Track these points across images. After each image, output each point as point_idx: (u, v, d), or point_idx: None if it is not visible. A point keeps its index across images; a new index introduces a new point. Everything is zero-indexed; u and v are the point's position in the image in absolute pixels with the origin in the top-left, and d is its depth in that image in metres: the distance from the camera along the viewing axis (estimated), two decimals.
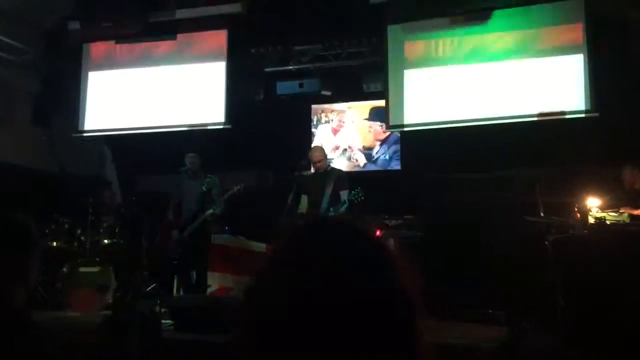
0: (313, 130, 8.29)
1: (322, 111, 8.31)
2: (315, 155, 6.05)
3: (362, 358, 0.80)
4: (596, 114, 6.21)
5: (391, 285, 0.85)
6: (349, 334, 0.79)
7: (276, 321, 0.81)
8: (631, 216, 5.25)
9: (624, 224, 5.17)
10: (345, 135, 8.16)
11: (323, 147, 6.72)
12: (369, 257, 0.86)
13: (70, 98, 8.14)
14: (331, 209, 5.71)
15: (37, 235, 1.77)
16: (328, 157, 6.73)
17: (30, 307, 1.91)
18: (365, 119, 8.05)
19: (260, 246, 7.05)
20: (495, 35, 6.75)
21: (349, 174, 6.82)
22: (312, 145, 7.62)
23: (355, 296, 0.81)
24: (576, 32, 6.43)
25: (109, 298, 6.15)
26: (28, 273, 1.72)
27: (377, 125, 7.94)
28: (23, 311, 1.69)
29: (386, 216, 6.90)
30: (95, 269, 6.28)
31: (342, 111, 8.22)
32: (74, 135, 8.06)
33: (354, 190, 5.67)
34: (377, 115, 7.81)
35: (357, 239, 0.88)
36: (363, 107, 8.09)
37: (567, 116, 6.40)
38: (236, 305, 5.39)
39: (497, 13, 6.64)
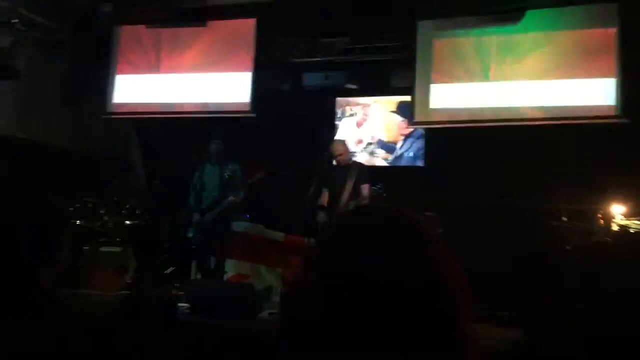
0: (337, 123, 8.28)
1: (347, 104, 8.30)
2: (337, 149, 6.05)
3: (410, 349, 0.81)
4: (626, 120, 6.10)
5: (440, 277, 0.86)
6: (398, 322, 0.80)
7: (331, 309, 0.82)
8: None
9: None
10: (369, 128, 8.14)
11: (346, 140, 6.72)
12: (421, 249, 0.87)
13: (99, 79, 8.23)
14: (351, 202, 5.72)
15: (67, 217, 1.80)
16: (351, 150, 6.72)
17: (58, 289, 1.93)
18: (393, 112, 8.02)
19: (278, 235, 7.10)
20: (526, 35, 6.66)
21: (370, 168, 6.82)
22: (335, 138, 7.62)
23: (405, 285, 0.82)
24: (609, 36, 6.31)
25: (129, 279, 6.25)
26: (57, 254, 1.73)
27: (401, 120, 7.91)
28: (49, 292, 1.70)
29: None
30: (116, 250, 6.38)
31: (367, 105, 8.20)
32: (102, 116, 8.16)
33: (376, 187, 5.67)
34: (405, 109, 7.77)
35: (411, 230, 0.89)
36: (389, 102, 8.06)
37: (597, 120, 6.30)
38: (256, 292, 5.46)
39: (530, 13, 6.54)
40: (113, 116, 8.20)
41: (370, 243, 0.85)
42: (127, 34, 8.27)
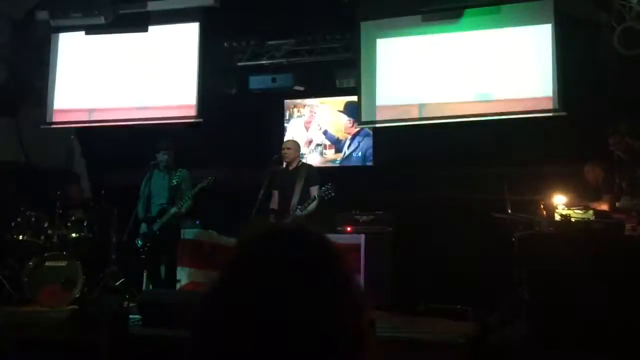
0: (285, 125, 8.28)
1: (295, 106, 8.30)
2: (287, 150, 6.05)
3: None
4: (564, 113, 6.32)
5: (339, 308, 0.86)
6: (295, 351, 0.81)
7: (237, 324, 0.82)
8: (596, 213, 5.37)
9: (589, 221, 5.28)
10: (317, 129, 8.17)
11: (297, 141, 6.72)
12: (320, 274, 0.87)
13: (39, 89, 7.99)
14: (298, 207, 5.72)
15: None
16: (301, 152, 6.73)
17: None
18: (340, 111, 8.06)
19: (231, 241, 7.01)
20: (467, 33, 6.82)
21: (320, 169, 6.84)
22: (285, 139, 7.61)
23: (301, 315, 0.82)
24: (546, 32, 6.53)
25: (77, 293, 6.08)
26: None
27: (347, 120, 7.96)
28: None
29: (357, 211, 6.94)
30: (62, 263, 6.19)
31: (314, 106, 8.23)
32: (42, 126, 7.91)
33: (325, 187, 5.69)
34: (351, 109, 7.83)
35: (311, 252, 0.90)
36: (336, 102, 8.11)
37: (536, 114, 6.50)
38: (198, 304, 5.36)
39: (468, 12, 6.70)
40: (53, 126, 7.97)
41: (272, 275, 0.85)
42: (66, 41, 8.05)
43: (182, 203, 6.18)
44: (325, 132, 8.12)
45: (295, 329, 0.81)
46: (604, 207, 5.44)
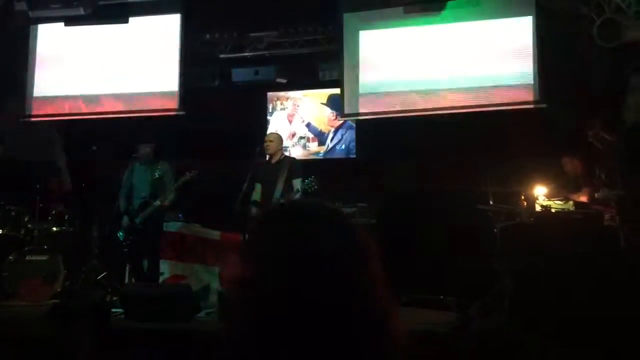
0: (268, 117, 8.25)
1: (278, 99, 8.28)
2: (270, 142, 6.03)
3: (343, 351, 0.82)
4: (544, 105, 6.38)
5: (365, 284, 0.88)
6: (333, 322, 0.82)
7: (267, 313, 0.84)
8: (575, 204, 5.44)
9: (569, 212, 5.35)
10: (300, 121, 8.16)
11: (279, 134, 6.70)
12: (349, 246, 0.88)
13: (17, 81, 7.87)
14: (281, 200, 5.71)
15: None
16: (284, 144, 6.72)
17: None
18: (323, 104, 8.06)
19: (214, 234, 7.00)
20: (448, 25, 6.85)
21: (304, 162, 6.83)
22: (267, 132, 7.59)
23: (333, 289, 0.83)
24: (526, 24, 6.57)
25: (58, 287, 6.02)
26: None
27: (330, 112, 7.96)
28: None
29: (340, 203, 6.94)
30: (43, 258, 6.12)
31: (297, 98, 8.21)
32: (21, 119, 7.80)
33: (308, 179, 5.68)
34: (335, 101, 7.82)
35: (339, 225, 0.91)
36: (319, 95, 8.10)
37: (517, 107, 6.56)
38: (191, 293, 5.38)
39: (451, 4, 6.72)
40: (33, 119, 7.86)
41: (298, 240, 0.86)
42: (45, 33, 7.93)
43: (165, 196, 6.13)
44: (308, 125, 8.12)
45: (327, 311, 0.83)
46: (584, 198, 5.52)
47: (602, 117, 5.38)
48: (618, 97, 5.88)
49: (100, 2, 7.27)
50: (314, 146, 8.07)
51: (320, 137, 8.05)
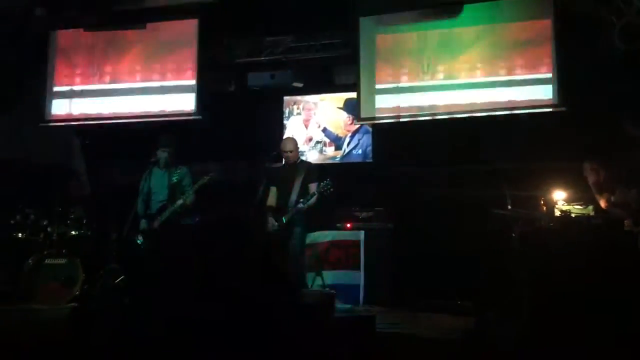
0: (285, 122, 8.26)
1: (294, 103, 8.29)
2: (287, 146, 6.04)
3: None
4: (563, 108, 6.31)
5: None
6: None
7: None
8: (596, 209, 5.37)
9: (589, 217, 5.29)
10: (316, 126, 8.16)
11: (295, 139, 6.71)
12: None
13: (37, 85, 7.96)
14: (300, 200, 5.71)
15: None
16: (300, 149, 6.72)
17: None
18: (339, 108, 8.05)
19: None
20: (465, 29, 6.81)
21: (320, 166, 6.83)
22: (284, 137, 7.60)
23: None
24: (545, 27, 6.52)
25: (77, 291, 6.07)
26: None
27: (347, 116, 7.95)
28: None
29: (357, 208, 6.94)
30: (62, 261, 6.18)
31: (313, 103, 8.21)
32: (41, 124, 7.90)
33: (324, 182, 5.67)
34: (351, 105, 7.81)
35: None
36: (336, 99, 8.09)
37: (536, 110, 6.50)
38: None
39: (468, 7, 6.69)
40: (52, 124, 7.96)
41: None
42: (64, 38, 8.03)
43: (187, 195, 6.13)
44: (324, 130, 8.11)
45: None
46: (602, 203, 5.44)
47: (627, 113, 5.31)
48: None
49: (118, 8, 7.35)
50: (330, 151, 8.06)
51: (337, 142, 8.04)
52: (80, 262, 6.17)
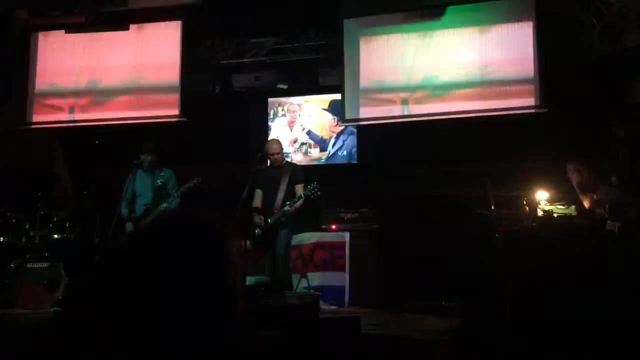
0: (270, 123, 8.25)
1: (279, 105, 8.29)
2: (272, 148, 6.03)
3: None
4: (545, 110, 6.38)
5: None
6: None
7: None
8: (578, 209, 5.42)
9: (571, 217, 5.33)
10: (301, 128, 8.16)
11: (280, 140, 6.70)
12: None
13: (17, 88, 7.88)
14: (287, 203, 5.71)
15: None
16: (285, 150, 6.72)
17: None
18: (324, 109, 8.06)
19: None
20: (448, 31, 6.85)
21: (305, 167, 6.83)
22: (269, 138, 7.60)
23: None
24: (527, 29, 6.58)
25: (59, 294, 6.01)
26: None
27: (332, 118, 7.96)
28: None
29: (342, 209, 6.95)
30: (44, 265, 6.12)
31: (298, 104, 8.21)
32: (22, 126, 7.81)
33: (311, 185, 5.67)
34: (336, 107, 7.83)
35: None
36: (320, 100, 8.10)
37: (518, 112, 6.55)
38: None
39: (451, 9, 6.73)
40: (33, 126, 7.87)
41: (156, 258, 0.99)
42: (46, 40, 7.95)
43: (171, 200, 6.11)
44: (308, 132, 8.11)
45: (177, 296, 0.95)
46: (586, 203, 5.49)
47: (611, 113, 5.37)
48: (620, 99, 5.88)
49: (101, 9, 7.29)
50: (315, 152, 8.06)
51: (322, 144, 8.05)
52: (63, 266, 6.11)
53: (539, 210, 5.37)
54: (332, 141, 7.98)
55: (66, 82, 7.85)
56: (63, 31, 7.77)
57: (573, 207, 5.46)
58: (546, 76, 6.40)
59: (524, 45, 6.56)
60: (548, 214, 5.28)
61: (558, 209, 5.41)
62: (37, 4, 7.35)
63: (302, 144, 8.12)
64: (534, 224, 5.20)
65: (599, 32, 6.00)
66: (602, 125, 5.43)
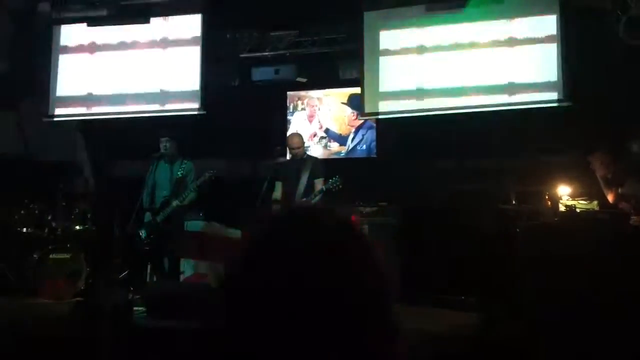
0: (289, 117, 8.24)
1: (299, 98, 8.27)
2: (294, 142, 6.03)
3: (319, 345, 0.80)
4: (569, 103, 6.28)
5: (351, 281, 0.85)
6: (311, 320, 0.80)
7: (252, 307, 0.82)
8: (600, 204, 5.34)
9: (594, 212, 5.26)
10: (320, 122, 8.14)
11: (301, 135, 6.70)
12: (334, 249, 0.86)
13: (40, 81, 7.97)
14: (306, 198, 5.71)
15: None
16: (305, 144, 6.71)
17: None
18: (343, 103, 8.03)
19: (234, 232, 7.01)
20: (470, 24, 6.77)
21: (325, 161, 6.81)
22: (288, 132, 7.59)
23: (317, 285, 0.81)
24: (550, 22, 6.48)
25: (81, 285, 6.08)
26: None
27: (351, 112, 7.93)
28: None
29: (361, 203, 6.92)
30: (66, 256, 6.19)
31: (318, 98, 8.19)
32: (44, 119, 7.90)
33: (332, 179, 5.67)
34: (355, 101, 7.79)
35: (327, 230, 0.89)
36: (340, 94, 8.07)
37: (541, 105, 6.47)
38: (211, 291, 5.40)
39: (473, 2, 6.65)
40: (55, 118, 7.96)
41: (298, 255, 0.84)
42: (68, 33, 8.02)
43: (184, 195, 6.15)
44: (327, 131, 8.08)
45: (311, 312, 0.80)
46: (610, 197, 5.40)
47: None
48: None
49: (123, 3, 7.34)
50: (335, 146, 8.04)
51: (340, 141, 8.01)
52: (84, 257, 6.18)
53: (560, 205, 5.31)
54: (352, 135, 7.95)
55: (87, 74, 7.92)
56: (85, 25, 7.83)
57: (595, 202, 5.38)
58: (570, 69, 6.30)
59: (548, 38, 6.47)
60: (570, 208, 5.22)
61: (580, 204, 5.34)
62: None
63: (322, 137, 8.11)
64: (556, 219, 5.14)
65: (625, 24, 5.89)
66: (625, 118, 5.33)
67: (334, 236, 0.88)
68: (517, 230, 5.22)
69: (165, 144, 6.26)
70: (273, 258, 0.84)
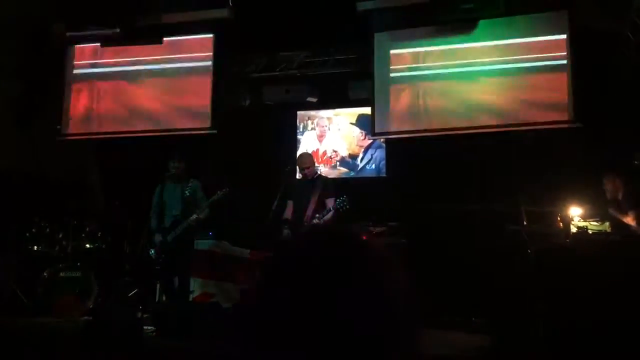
0: (299, 137, 8.28)
1: (308, 118, 8.31)
2: (304, 162, 6.05)
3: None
4: (579, 125, 6.26)
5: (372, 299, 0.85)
6: (329, 339, 0.80)
7: (273, 325, 0.82)
8: (612, 225, 5.30)
9: (606, 234, 5.22)
10: (330, 142, 8.17)
11: (311, 154, 6.72)
12: (353, 268, 0.86)
13: (53, 100, 8.05)
14: (316, 216, 5.71)
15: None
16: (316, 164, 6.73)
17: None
18: (352, 124, 8.06)
19: (243, 252, 7.02)
20: (480, 45, 6.80)
21: (334, 181, 6.82)
22: (298, 152, 7.61)
23: (337, 303, 0.81)
24: (560, 42, 6.49)
25: (91, 304, 6.09)
26: None
27: (359, 132, 7.95)
28: None
29: (370, 222, 6.90)
30: (76, 274, 6.22)
31: (328, 118, 8.23)
32: (57, 138, 7.97)
33: (340, 199, 5.67)
34: (364, 121, 7.82)
35: (350, 249, 0.89)
36: (349, 114, 8.10)
37: (551, 126, 6.45)
38: (220, 311, 5.39)
39: (483, 23, 6.68)
40: (68, 137, 8.02)
41: (314, 274, 0.84)
42: (82, 53, 8.13)
43: (201, 209, 6.15)
44: (340, 159, 8.09)
45: (332, 329, 0.80)
46: (630, 220, 5.35)
47: None
48: None
49: (137, 24, 7.43)
50: (344, 166, 8.06)
51: (352, 167, 8.02)
52: (95, 275, 6.20)
53: (572, 226, 5.26)
54: (361, 155, 7.97)
55: (100, 94, 8.00)
56: (99, 45, 7.93)
57: (607, 223, 5.34)
58: (580, 90, 6.29)
59: (558, 59, 6.47)
60: (582, 230, 5.18)
61: (592, 226, 5.30)
62: (74, 17, 7.52)
63: (330, 157, 8.13)
64: (568, 241, 5.10)
65: (635, 45, 5.89)
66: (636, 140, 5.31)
67: (359, 253, 0.89)
68: (529, 251, 5.18)
69: (175, 164, 6.29)
70: (297, 276, 0.85)
